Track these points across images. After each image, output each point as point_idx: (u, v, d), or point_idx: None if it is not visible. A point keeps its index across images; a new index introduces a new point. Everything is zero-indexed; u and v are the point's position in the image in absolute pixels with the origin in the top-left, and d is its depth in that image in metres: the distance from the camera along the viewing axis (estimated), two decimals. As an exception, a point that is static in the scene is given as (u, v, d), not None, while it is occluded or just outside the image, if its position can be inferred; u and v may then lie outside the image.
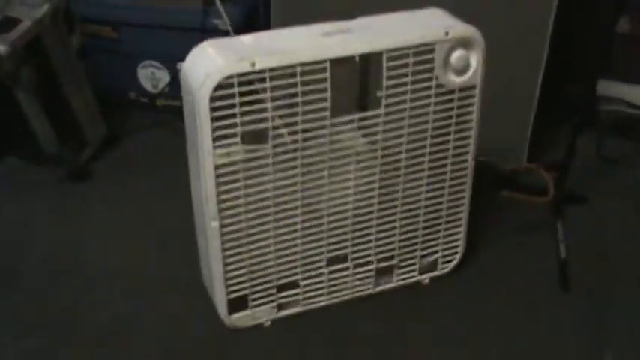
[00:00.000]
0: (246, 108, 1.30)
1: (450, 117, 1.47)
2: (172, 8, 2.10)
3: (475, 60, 1.43)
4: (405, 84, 1.40)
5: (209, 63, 1.29)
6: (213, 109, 1.27)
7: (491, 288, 1.68)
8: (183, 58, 2.09)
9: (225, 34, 2.07)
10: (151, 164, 2.06)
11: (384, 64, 1.36)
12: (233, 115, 1.29)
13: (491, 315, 1.61)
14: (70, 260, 1.74)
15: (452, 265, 1.68)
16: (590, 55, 1.83)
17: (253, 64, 1.27)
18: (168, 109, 2.26)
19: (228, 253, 1.44)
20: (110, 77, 2.24)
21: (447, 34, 1.39)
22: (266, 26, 1.97)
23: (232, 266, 1.46)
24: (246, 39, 1.37)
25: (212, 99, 1.27)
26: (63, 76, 1.96)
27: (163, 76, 2.21)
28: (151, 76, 2.22)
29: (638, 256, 1.78)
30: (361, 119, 1.41)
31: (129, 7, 2.15)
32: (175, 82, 2.20)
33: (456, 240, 1.66)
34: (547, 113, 2.01)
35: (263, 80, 1.29)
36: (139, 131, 2.20)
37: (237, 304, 1.51)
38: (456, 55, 1.41)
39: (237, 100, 1.29)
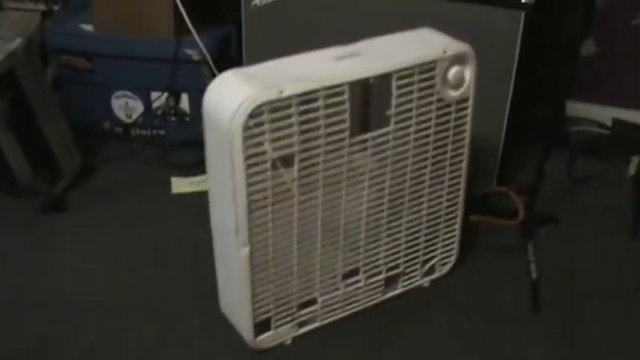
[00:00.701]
0: (276, 134, 1.33)
1: (448, 129, 1.56)
2: (145, 39, 2.12)
3: (469, 74, 1.52)
4: (411, 101, 1.47)
5: (238, 93, 1.30)
6: (245, 138, 1.30)
7: (463, 308, 1.71)
8: (156, 88, 2.16)
9: (197, 64, 2.10)
10: (126, 193, 2.07)
11: (394, 84, 1.43)
12: (264, 143, 1.32)
13: (462, 335, 1.64)
14: (46, 290, 1.73)
15: (449, 266, 1.77)
16: (557, 78, 1.87)
17: (281, 92, 1.30)
18: (142, 139, 2.28)
19: (256, 277, 1.46)
20: (85, 108, 2.25)
21: (445, 52, 1.48)
22: (238, 56, 2.00)
23: (259, 290, 1.48)
24: (260, 68, 1.40)
25: (245, 128, 1.29)
26: (37, 107, 1.96)
27: (137, 106, 2.23)
28: (124, 106, 2.23)
29: (610, 275, 1.81)
30: (373, 138, 1.47)
31: (102, 38, 2.16)
32: (149, 112, 2.22)
33: (452, 242, 1.75)
34: (517, 136, 2.04)
35: (289, 107, 1.32)
36: (113, 161, 2.20)
37: (262, 326, 1.54)
38: (453, 71, 1.50)
39: (267, 127, 1.31)
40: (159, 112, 2.22)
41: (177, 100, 2.19)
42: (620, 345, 1.62)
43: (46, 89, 2.02)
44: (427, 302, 1.72)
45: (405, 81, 1.45)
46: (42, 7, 2.57)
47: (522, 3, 1.76)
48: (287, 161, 1.38)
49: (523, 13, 1.77)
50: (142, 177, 2.14)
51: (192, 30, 2.08)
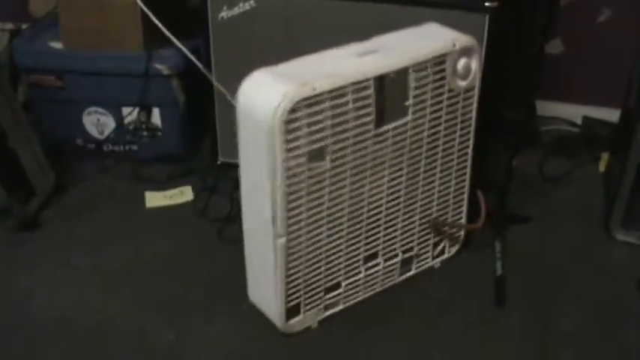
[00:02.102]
0: (311, 129, 1.40)
1: (457, 116, 1.67)
2: (115, 54, 2.12)
3: (475, 65, 1.63)
4: (425, 92, 1.57)
5: (275, 90, 1.37)
6: (285, 133, 1.37)
7: (432, 304, 1.74)
8: (127, 104, 2.16)
9: (167, 78, 2.10)
10: (100, 209, 2.07)
11: (411, 76, 1.52)
12: (301, 137, 1.40)
13: (430, 330, 1.67)
14: (19, 312, 1.72)
15: (457, 247, 1.87)
16: (523, 79, 1.89)
17: (314, 88, 1.38)
18: (115, 155, 2.28)
19: (290, 265, 1.54)
20: (56, 125, 2.24)
21: (454, 45, 1.58)
22: (207, 68, 2.00)
23: (292, 277, 1.56)
24: (289, 67, 1.47)
25: (285, 123, 1.36)
26: (8, 128, 1.95)
27: (109, 122, 2.22)
28: (96, 122, 2.23)
29: (582, 271, 1.84)
30: (394, 128, 1.55)
31: (72, 55, 2.15)
32: (121, 127, 2.22)
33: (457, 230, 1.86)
34: (487, 137, 2.06)
35: (322, 102, 1.40)
36: (86, 177, 2.19)
37: (292, 311, 1.61)
38: (462, 63, 1.60)
39: (304, 122, 1.39)
40: (131, 128, 2.22)
41: (149, 114, 2.19)
42: (592, 341, 1.64)
43: (16, 109, 2.01)
44: (404, 295, 1.76)
45: (421, 74, 1.54)
46: (10, 26, 2.57)
47: (486, 6, 1.78)
48: (320, 153, 1.45)
49: (487, 16, 1.79)
50: (115, 192, 2.14)
51: (174, 39, 2.07)
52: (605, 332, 1.66)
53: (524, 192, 2.09)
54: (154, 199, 2.10)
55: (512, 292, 1.76)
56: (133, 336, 1.66)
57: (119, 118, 2.21)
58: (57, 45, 2.20)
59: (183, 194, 2.12)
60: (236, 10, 1.91)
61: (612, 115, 2.26)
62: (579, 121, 2.43)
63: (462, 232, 1.86)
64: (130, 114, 2.19)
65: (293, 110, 1.36)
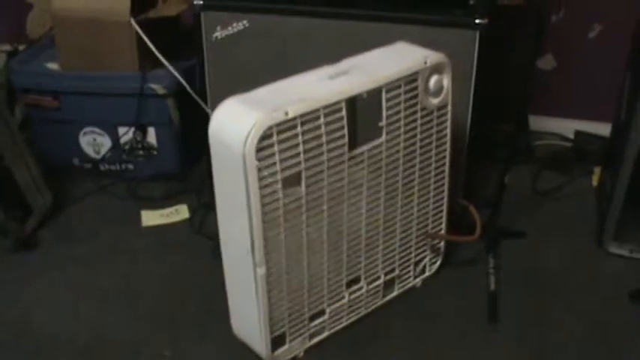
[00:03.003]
0: (284, 154, 1.39)
1: (432, 134, 1.66)
2: (110, 75, 2.14)
3: (446, 82, 1.63)
4: (399, 112, 1.56)
5: (246, 117, 1.35)
6: (258, 160, 1.36)
7: (421, 324, 1.75)
8: (123, 124, 2.18)
9: (162, 98, 2.12)
10: (97, 228, 2.08)
11: (384, 96, 1.52)
12: (274, 164, 1.38)
13: (421, 350, 1.67)
14: (17, 330, 1.73)
15: (437, 265, 1.87)
16: (514, 94, 1.91)
17: (287, 113, 1.37)
18: (111, 174, 2.30)
19: (271, 295, 1.52)
20: (53, 145, 2.26)
21: (425, 62, 1.57)
22: (202, 88, 2.02)
23: (275, 306, 1.54)
24: (259, 93, 1.45)
25: (257, 150, 1.35)
26: (5, 148, 1.97)
27: (105, 142, 2.24)
28: (92, 142, 2.25)
29: (576, 285, 1.85)
30: (369, 149, 1.55)
31: (68, 76, 2.17)
32: (117, 147, 2.24)
33: (440, 241, 1.86)
34: (481, 152, 2.08)
35: (294, 127, 1.39)
36: (83, 197, 2.21)
37: (277, 342, 1.60)
38: (433, 80, 1.60)
39: (276, 148, 1.37)
40: (127, 147, 2.24)
41: (145, 134, 2.21)
42: (586, 355, 1.65)
43: (13, 129, 2.03)
44: (396, 311, 1.77)
45: (393, 93, 1.54)
46: (7, 47, 2.59)
47: (476, 23, 1.80)
48: (295, 179, 1.44)
49: (477, 33, 1.81)
50: (112, 211, 2.16)
51: (165, 62, 2.10)
52: (599, 345, 1.67)
53: (517, 206, 2.10)
54: (150, 218, 2.11)
55: (505, 307, 1.76)
56: (128, 353, 1.67)
57: (115, 138, 2.23)
58: (53, 66, 2.22)
59: (179, 213, 2.13)
60: (230, 30, 1.93)
61: (604, 129, 2.27)
62: (572, 136, 2.44)
63: (443, 248, 1.86)
64: (126, 133, 2.21)
65: (265, 137, 1.35)
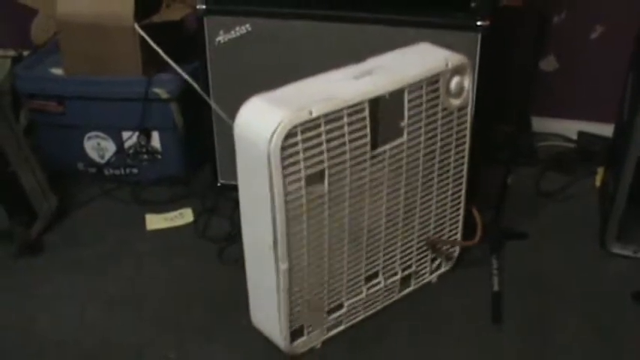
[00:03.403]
0: (308, 153, 1.41)
1: (451, 135, 1.69)
2: (115, 80, 2.15)
3: (467, 83, 1.64)
4: (420, 112, 1.59)
5: (272, 116, 1.38)
6: (283, 158, 1.38)
7: (431, 321, 1.76)
8: (127, 128, 2.19)
9: (166, 102, 2.14)
10: (102, 232, 2.09)
11: (406, 97, 1.54)
12: (298, 162, 1.41)
13: (430, 347, 1.69)
14: (22, 335, 1.74)
15: (453, 261, 1.89)
16: (517, 96, 1.91)
17: (311, 112, 1.39)
18: (116, 178, 2.31)
19: (292, 289, 1.54)
20: (58, 150, 2.27)
21: (447, 64, 1.59)
22: (205, 92, 2.03)
23: (295, 300, 1.57)
24: (284, 92, 1.47)
25: (282, 149, 1.37)
26: (10, 154, 1.98)
27: (109, 147, 2.25)
28: (97, 147, 2.26)
29: (579, 286, 1.86)
30: (390, 149, 1.56)
31: (73, 81, 2.18)
32: (121, 151, 2.25)
33: (451, 248, 1.88)
34: (484, 153, 2.08)
35: (318, 126, 1.41)
36: (88, 201, 2.22)
37: (295, 333, 1.62)
38: (454, 82, 1.62)
39: (301, 146, 1.40)
40: (131, 151, 2.25)
41: (149, 138, 2.22)
42: (590, 355, 1.65)
43: (18, 134, 2.04)
44: (401, 310, 1.78)
45: (415, 94, 1.56)
46: (12, 52, 2.61)
47: (478, 26, 1.81)
48: (318, 177, 1.46)
49: (479, 36, 1.82)
50: (116, 215, 2.17)
51: (173, 64, 2.11)
52: (603, 345, 1.67)
53: (521, 208, 2.11)
54: (155, 222, 2.12)
55: (509, 308, 1.77)
56: (134, 356, 1.67)
57: (119, 142, 2.24)
58: (58, 71, 2.23)
59: (184, 216, 2.14)
60: (232, 34, 1.94)
61: (607, 130, 2.28)
62: (575, 137, 2.45)
63: (457, 249, 1.88)
64: (130, 138, 2.22)
65: (290, 135, 1.37)
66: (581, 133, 2.44)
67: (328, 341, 1.69)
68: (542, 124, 2.48)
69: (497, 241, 1.95)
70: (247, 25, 1.92)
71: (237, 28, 1.93)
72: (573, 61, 2.41)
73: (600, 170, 2.24)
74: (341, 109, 1.44)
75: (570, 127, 2.47)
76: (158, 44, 2.11)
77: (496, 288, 1.81)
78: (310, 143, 1.41)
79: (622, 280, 1.86)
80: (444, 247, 1.85)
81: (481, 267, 1.90)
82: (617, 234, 1.92)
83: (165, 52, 2.11)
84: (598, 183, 2.22)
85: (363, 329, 1.72)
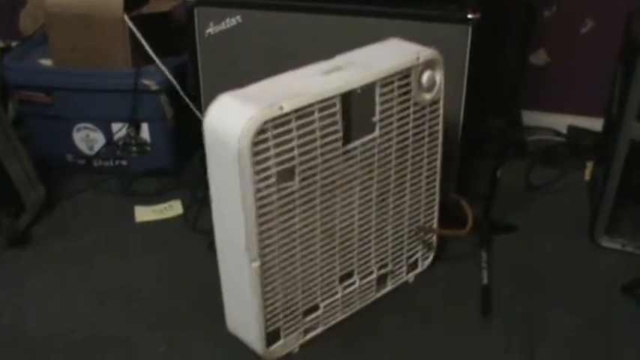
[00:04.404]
0: (279, 149, 1.40)
1: (424, 130, 1.67)
2: (104, 71, 2.14)
3: (439, 77, 1.64)
4: (392, 107, 1.57)
5: (242, 113, 1.36)
6: (253, 155, 1.36)
7: (415, 318, 1.75)
8: (116, 119, 2.18)
9: (155, 94, 2.13)
10: (90, 224, 2.08)
11: (377, 92, 1.53)
12: (269, 158, 1.39)
13: (415, 344, 1.68)
14: (9, 327, 1.73)
15: (429, 260, 1.88)
16: (507, 89, 1.91)
17: (281, 108, 1.38)
18: (105, 170, 2.30)
19: (266, 289, 1.53)
20: (46, 142, 2.27)
21: (418, 58, 1.58)
22: (195, 84, 2.02)
23: (269, 301, 1.55)
24: (254, 89, 1.46)
25: (253, 145, 1.36)
26: (-2, 144, 1.99)
27: (98, 138, 2.24)
28: (86, 138, 2.25)
29: (568, 279, 1.86)
30: (362, 144, 1.55)
31: (61, 72, 2.17)
32: (110, 143, 2.24)
33: (431, 236, 1.87)
34: (475, 146, 2.09)
35: (289, 122, 1.40)
36: (77, 193, 2.21)
37: (272, 337, 1.60)
38: (426, 76, 1.61)
39: (271, 143, 1.38)
40: (120, 143, 2.24)
41: (138, 130, 2.21)
42: (579, 348, 1.66)
43: (6, 125, 2.03)
44: (389, 305, 1.78)
45: (386, 89, 1.54)
46: (0, 43, 2.59)
47: (469, 18, 1.80)
48: (289, 173, 1.45)
49: (470, 28, 1.81)
50: (105, 207, 2.16)
51: (155, 58, 2.11)
52: (592, 338, 1.68)
53: (510, 201, 2.11)
54: (144, 214, 2.11)
55: (498, 301, 1.77)
56: (123, 349, 1.67)
57: (108, 134, 2.23)
58: (46, 62, 2.22)
59: (173, 208, 2.13)
60: (223, 26, 1.93)
61: (597, 124, 2.28)
62: (565, 131, 2.46)
63: (435, 243, 1.87)
64: (120, 129, 2.21)
65: (260, 132, 1.35)
66: (571, 127, 2.44)
67: (306, 344, 1.66)
68: (532, 118, 2.48)
69: (487, 233, 1.95)
70: (238, 17, 1.91)
71: (228, 20, 1.92)
72: (564, 55, 2.41)
73: (589, 164, 2.24)
74: (312, 105, 1.42)
75: (560, 121, 2.47)
76: (147, 36, 2.10)
77: (485, 281, 1.81)
78: (281, 139, 1.39)
79: (611, 274, 1.86)
80: (434, 235, 1.84)
81: (469, 261, 1.90)
82: (606, 227, 1.93)
83: (155, 44, 2.10)
84: (587, 177, 2.23)
85: (343, 331, 1.71)
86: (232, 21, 1.92)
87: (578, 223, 2.02)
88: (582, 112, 2.44)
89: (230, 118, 1.38)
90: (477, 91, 1.88)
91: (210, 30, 1.94)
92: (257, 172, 1.38)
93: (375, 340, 1.68)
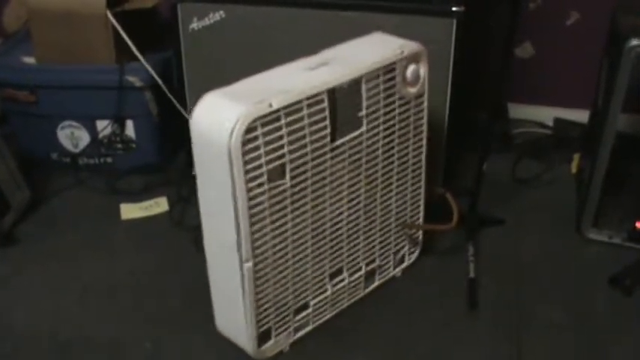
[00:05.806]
0: (269, 147, 1.38)
1: (409, 124, 1.67)
2: (87, 68, 2.13)
3: (423, 71, 1.64)
4: (378, 102, 1.57)
5: (230, 111, 1.34)
6: (244, 154, 1.35)
7: (403, 313, 1.75)
8: (101, 117, 2.17)
9: (140, 90, 2.12)
10: (76, 222, 2.07)
11: (363, 87, 1.52)
12: (259, 157, 1.37)
13: (404, 339, 1.68)
14: (-1, 326, 1.74)
15: (415, 255, 1.88)
16: (492, 82, 1.91)
17: (270, 105, 1.36)
18: (90, 168, 2.28)
19: (258, 289, 1.51)
20: (31, 140, 2.25)
21: (402, 52, 1.58)
22: (180, 81, 2.01)
23: (261, 302, 1.53)
24: (241, 86, 1.44)
25: (243, 143, 1.34)
26: (-19, 143, 1.97)
27: (83, 136, 2.23)
28: (70, 136, 2.23)
29: (555, 272, 1.86)
30: (350, 140, 1.55)
31: (45, 69, 2.16)
32: (95, 140, 2.23)
33: (417, 232, 1.87)
34: (461, 140, 2.09)
35: (278, 119, 1.38)
36: (62, 191, 2.20)
37: (263, 336, 1.59)
38: (410, 70, 1.61)
39: (261, 141, 1.36)
40: (105, 140, 2.23)
41: (123, 127, 2.20)
42: (566, 340, 1.66)
43: (-11, 125, 2.02)
44: (376, 301, 1.77)
45: (372, 83, 1.54)
46: (-18, 42, 2.57)
47: (453, 11, 1.80)
48: (279, 171, 1.44)
49: (455, 21, 1.81)
50: (91, 205, 2.15)
51: (139, 55, 2.10)
52: (579, 331, 1.68)
53: (497, 194, 2.11)
54: (130, 211, 2.10)
55: (485, 295, 1.77)
56: (109, 347, 1.66)
57: (93, 132, 2.22)
58: (30, 60, 2.20)
59: (159, 205, 2.12)
60: (206, 21, 1.92)
61: (583, 116, 2.29)
62: (551, 123, 2.46)
63: (421, 238, 1.87)
64: (105, 127, 2.20)
65: (250, 130, 1.33)
66: (557, 120, 2.45)
67: (297, 343, 1.66)
68: (518, 111, 2.48)
69: (474, 227, 1.95)
70: (221, 12, 1.90)
71: (211, 15, 1.91)
72: (549, 48, 2.41)
73: (576, 157, 2.24)
74: (301, 101, 1.41)
75: (546, 114, 2.48)
76: (131, 32, 2.09)
77: (472, 274, 1.81)
78: (271, 137, 1.38)
79: (598, 266, 1.86)
80: (411, 232, 1.84)
81: (456, 254, 1.90)
82: (592, 220, 1.93)
83: (138, 41, 2.09)
84: (574, 169, 2.23)
85: (333, 328, 1.70)
86: (216, 16, 1.91)
87: (565, 215, 2.03)
88: (568, 104, 2.45)
89: (218, 117, 1.36)
90: (463, 85, 1.87)
91: (194, 25, 1.93)
92: (248, 172, 1.37)
93: (364, 336, 1.68)
